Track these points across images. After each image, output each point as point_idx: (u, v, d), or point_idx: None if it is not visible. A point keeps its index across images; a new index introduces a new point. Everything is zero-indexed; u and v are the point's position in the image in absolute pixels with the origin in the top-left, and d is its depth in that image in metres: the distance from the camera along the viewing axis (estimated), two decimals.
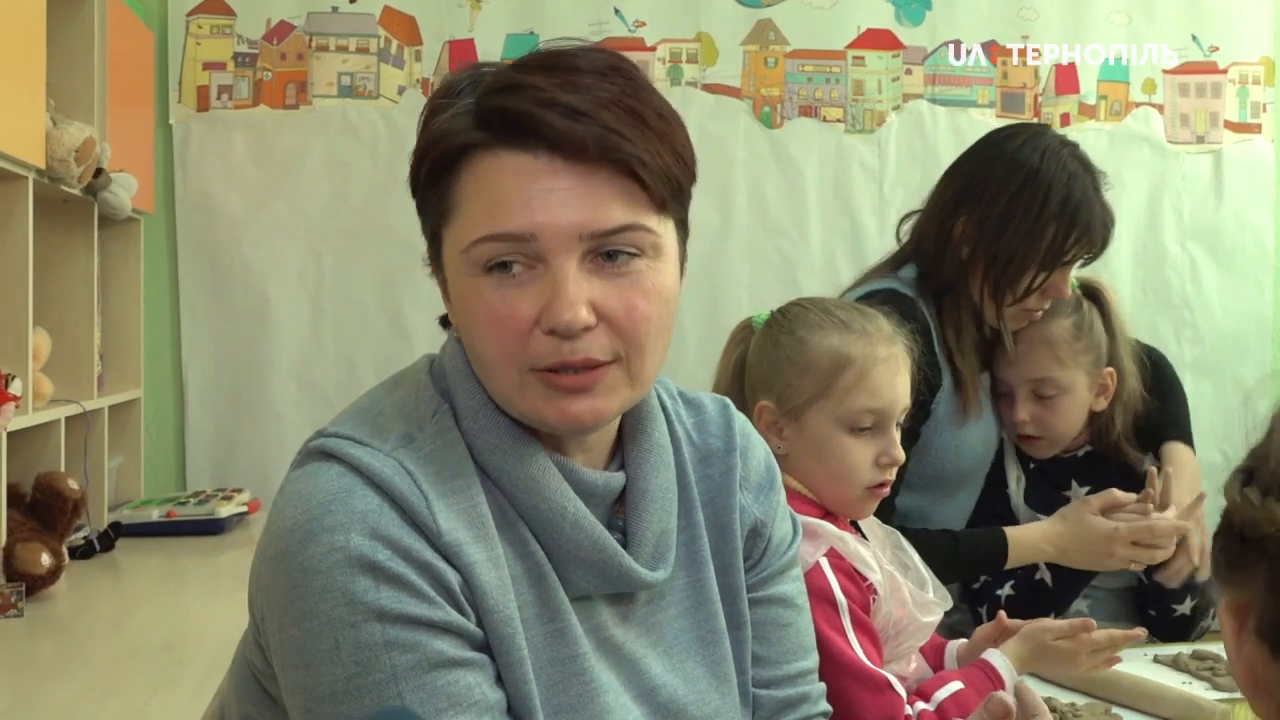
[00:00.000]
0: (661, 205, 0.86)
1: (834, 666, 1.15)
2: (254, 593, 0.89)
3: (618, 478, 0.93)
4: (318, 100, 2.89)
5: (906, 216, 1.87)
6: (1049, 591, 1.81)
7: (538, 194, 0.82)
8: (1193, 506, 1.75)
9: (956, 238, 1.74)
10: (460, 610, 0.82)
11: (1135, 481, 1.79)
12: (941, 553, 1.66)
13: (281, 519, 0.84)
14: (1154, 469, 1.77)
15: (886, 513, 1.61)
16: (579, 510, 0.88)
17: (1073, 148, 1.76)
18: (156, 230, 2.82)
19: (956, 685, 1.26)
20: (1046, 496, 1.87)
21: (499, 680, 0.83)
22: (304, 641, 0.81)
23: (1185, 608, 1.85)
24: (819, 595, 1.19)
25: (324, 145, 2.88)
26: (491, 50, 2.92)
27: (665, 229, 0.87)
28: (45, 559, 1.90)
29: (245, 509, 2.59)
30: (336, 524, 0.81)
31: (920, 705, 1.22)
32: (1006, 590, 1.82)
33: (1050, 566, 1.80)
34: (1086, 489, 1.87)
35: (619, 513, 0.93)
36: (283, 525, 0.84)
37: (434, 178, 0.86)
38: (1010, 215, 1.70)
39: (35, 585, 1.88)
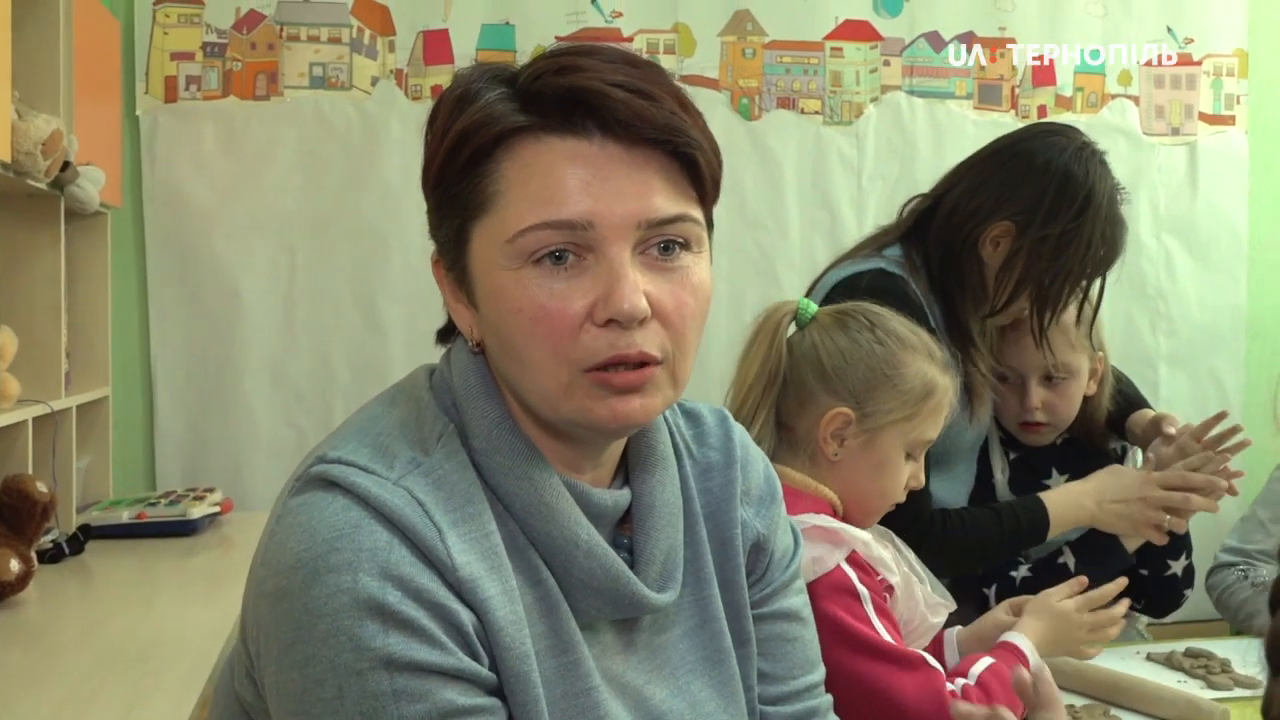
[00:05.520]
0: (706, 201, 0.85)
1: (864, 654, 1.15)
2: (249, 626, 0.83)
3: (624, 496, 0.89)
4: (289, 91, 2.83)
5: (911, 200, 1.83)
6: (1070, 576, 1.80)
7: (594, 180, 0.79)
8: (1228, 432, 1.75)
9: (986, 242, 1.70)
10: (473, 653, 0.78)
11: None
12: (987, 530, 1.67)
13: (283, 553, 0.78)
14: (1165, 417, 1.79)
15: (925, 500, 1.61)
16: (592, 538, 0.84)
17: (1106, 160, 1.72)
18: (124, 224, 2.76)
19: (989, 660, 1.27)
20: (1028, 486, 1.86)
21: None
22: (304, 688, 0.76)
23: (1178, 567, 1.85)
24: (840, 589, 1.19)
25: (295, 137, 2.83)
26: (466, 41, 2.88)
27: (704, 226, 0.85)
28: (14, 565, 1.85)
29: (218, 509, 2.54)
30: (344, 563, 0.76)
31: (961, 680, 1.22)
32: (1023, 572, 1.81)
33: (1075, 552, 1.80)
34: (1065, 477, 1.87)
35: (624, 530, 0.91)
36: (284, 561, 0.78)
37: (469, 167, 0.82)
38: (1067, 239, 1.65)
39: (4, 592, 1.83)
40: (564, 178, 0.79)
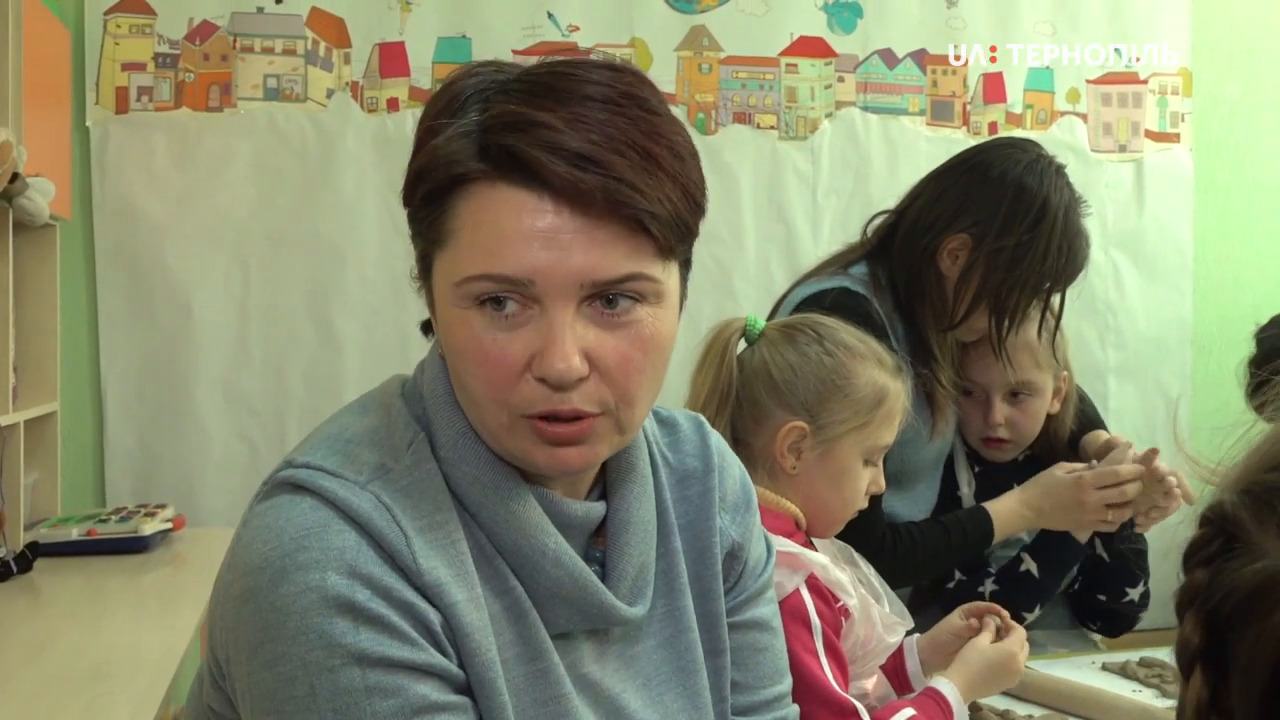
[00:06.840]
0: (667, 252, 0.82)
1: (804, 689, 1.15)
2: (216, 632, 0.83)
3: (598, 508, 0.89)
4: (243, 103, 2.80)
5: (876, 216, 1.85)
6: (1035, 583, 1.82)
7: (539, 236, 0.76)
8: (1150, 454, 1.77)
9: (944, 255, 1.72)
10: (442, 651, 0.78)
11: None
12: (934, 543, 1.69)
13: (249, 555, 0.79)
14: (1115, 445, 1.81)
15: (878, 516, 1.62)
16: (560, 547, 0.84)
17: (1064, 172, 1.74)
18: (73, 237, 2.71)
19: (909, 712, 1.26)
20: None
21: None
22: (276, 687, 0.76)
23: (1135, 594, 1.88)
24: (794, 615, 1.19)
25: (249, 149, 2.79)
26: (422, 54, 2.87)
27: (669, 274, 0.83)
28: None
29: (169, 525, 2.50)
30: (312, 561, 0.76)
31: None
32: (990, 586, 1.83)
33: (1035, 557, 1.82)
34: None
35: (597, 544, 0.91)
36: (250, 562, 0.78)
37: (429, 200, 0.81)
38: (1022, 250, 1.67)
39: None
40: (510, 232, 0.77)
